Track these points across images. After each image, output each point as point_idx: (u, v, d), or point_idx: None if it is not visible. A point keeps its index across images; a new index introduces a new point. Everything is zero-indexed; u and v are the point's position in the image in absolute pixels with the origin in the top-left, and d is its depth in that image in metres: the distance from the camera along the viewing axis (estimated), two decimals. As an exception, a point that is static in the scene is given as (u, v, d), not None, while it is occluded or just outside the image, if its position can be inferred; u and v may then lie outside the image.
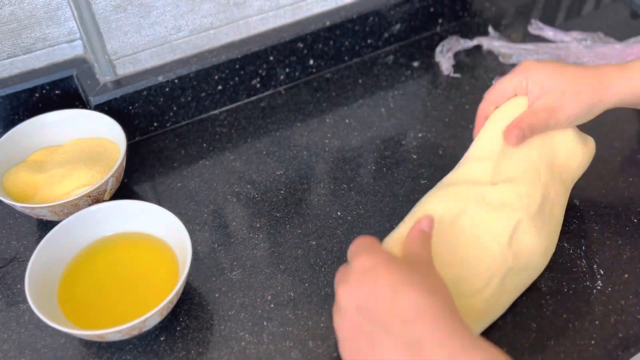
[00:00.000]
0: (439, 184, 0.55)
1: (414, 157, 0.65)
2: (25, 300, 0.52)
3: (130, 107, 0.65)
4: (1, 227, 0.59)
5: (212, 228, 0.58)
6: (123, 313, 0.48)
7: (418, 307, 0.37)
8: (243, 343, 0.49)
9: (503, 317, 0.50)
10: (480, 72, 0.76)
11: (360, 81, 0.75)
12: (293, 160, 0.65)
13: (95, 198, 0.55)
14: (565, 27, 0.80)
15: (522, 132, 0.52)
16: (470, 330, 0.38)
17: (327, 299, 0.52)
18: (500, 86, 0.55)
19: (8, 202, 0.54)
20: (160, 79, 0.65)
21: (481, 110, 0.57)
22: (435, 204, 0.52)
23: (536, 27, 0.81)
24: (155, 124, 0.68)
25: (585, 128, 0.67)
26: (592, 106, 0.53)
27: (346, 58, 0.77)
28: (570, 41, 0.77)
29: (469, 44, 0.79)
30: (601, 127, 0.67)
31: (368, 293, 0.39)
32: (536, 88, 0.53)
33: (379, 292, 0.38)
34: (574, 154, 0.55)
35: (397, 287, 0.38)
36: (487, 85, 0.74)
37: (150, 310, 0.45)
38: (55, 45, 0.63)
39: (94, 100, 0.63)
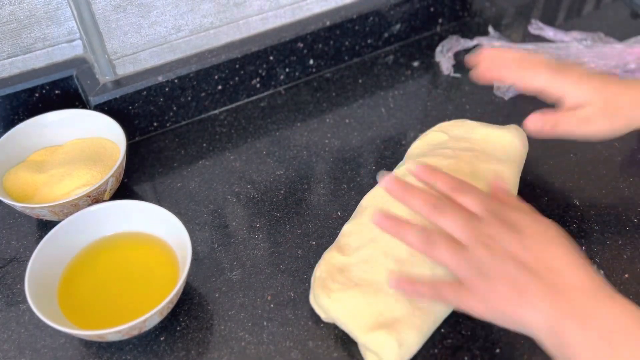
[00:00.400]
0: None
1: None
2: (25, 300, 0.52)
3: (130, 107, 0.65)
4: (1, 227, 0.59)
5: (212, 228, 0.58)
6: (123, 313, 0.48)
7: (568, 259, 0.41)
8: (243, 343, 0.49)
9: (503, 317, 0.50)
10: (480, 72, 0.76)
11: (360, 81, 0.75)
12: (293, 160, 0.65)
13: (95, 198, 0.55)
14: (565, 27, 0.80)
15: (541, 125, 0.51)
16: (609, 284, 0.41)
17: (327, 299, 0.52)
18: (533, 73, 0.51)
19: (8, 202, 0.54)
20: (160, 78, 0.65)
21: (487, 71, 0.53)
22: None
23: (536, 27, 0.81)
24: (155, 124, 0.68)
25: (585, 128, 0.67)
26: (628, 125, 0.51)
27: (346, 58, 0.77)
28: (570, 41, 0.77)
29: (469, 43, 0.78)
30: (601, 127, 0.67)
31: (517, 242, 0.42)
32: (574, 101, 0.50)
33: (528, 243, 0.42)
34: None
35: (545, 242, 0.42)
36: (486, 85, 0.74)
37: (150, 310, 0.45)
38: (55, 45, 0.63)
39: (93, 100, 0.63)
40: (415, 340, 0.46)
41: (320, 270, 0.50)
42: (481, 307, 0.42)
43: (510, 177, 0.57)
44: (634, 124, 0.50)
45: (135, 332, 0.47)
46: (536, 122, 0.51)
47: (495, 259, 0.41)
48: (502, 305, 0.41)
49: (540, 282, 0.40)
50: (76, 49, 0.65)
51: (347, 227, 0.54)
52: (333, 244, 0.53)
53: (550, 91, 0.51)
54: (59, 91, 0.64)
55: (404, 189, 0.46)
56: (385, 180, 0.46)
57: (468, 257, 0.42)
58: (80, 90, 0.65)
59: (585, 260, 0.42)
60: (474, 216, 0.44)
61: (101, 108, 0.63)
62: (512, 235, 0.42)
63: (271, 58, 0.70)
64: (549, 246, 0.42)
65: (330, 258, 0.51)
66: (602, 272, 0.53)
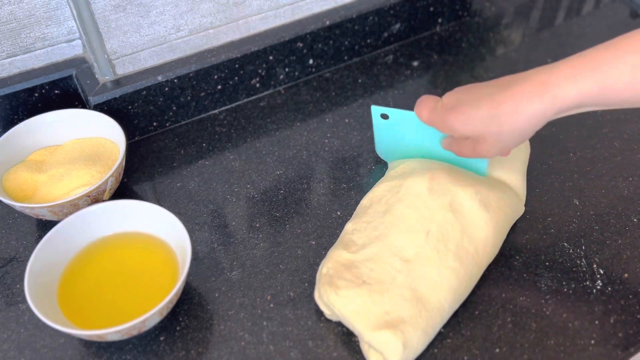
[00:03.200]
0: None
1: (414, 156, 0.65)
2: (24, 300, 0.52)
3: (130, 107, 0.65)
4: (1, 226, 0.59)
5: (211, 228, 0.58)
6: (123, 313, 0.48)
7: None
8: (243, 343, 0.49)
9: (503, 317, 0.50)
10: (480, 71, 0.76)
11: (360, 81, 0.75)
12: (293, 160, 0.65)
13: (95, 198, 0.55)
14: (565, 27, 0.80)
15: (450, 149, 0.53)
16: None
17: (327, 298, 0.52)
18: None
19: (7, 202, 0.54)
20: (160, 78, 0.65)
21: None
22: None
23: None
24: (154, 124, 0.68)
25: (586, 128, 0.67)
26: (524, 132, 0.47)
27: (346, 58, 0.77)
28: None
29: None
30: (601, 127, 0.67)
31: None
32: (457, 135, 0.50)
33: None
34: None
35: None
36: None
37: (150, 310, 0.45)
38: (55, 44, 0.63)
39: (93, 100, 0.62)
40: (419, 342, 0.46)
41: (327, 267, 0.50)
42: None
43: (517, 183, 0.58)
44: (525, 131, 0.47)
45: (135, 332, 0.47)
46: (445, 144, 0.54)
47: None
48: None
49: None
50: (76, 49, 0.65)
51: (350, 225, 0.54)
52: (337, 242, 0.53)
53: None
54: (58, 91, 0.64)
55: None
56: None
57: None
58: (79, 90, 0.65)
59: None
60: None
61: (101, 108, 0.63)
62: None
63: (271, 58, 0.70)
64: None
65: (336, 256, 0.51)
66: (601, 271, 0.53)
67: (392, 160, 0.62)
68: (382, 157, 0.64)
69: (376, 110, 0.57)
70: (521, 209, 0.57)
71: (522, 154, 0.60)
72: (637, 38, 0.43)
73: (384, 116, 0.57)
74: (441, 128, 0.50)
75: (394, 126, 0.58)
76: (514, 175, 0.58)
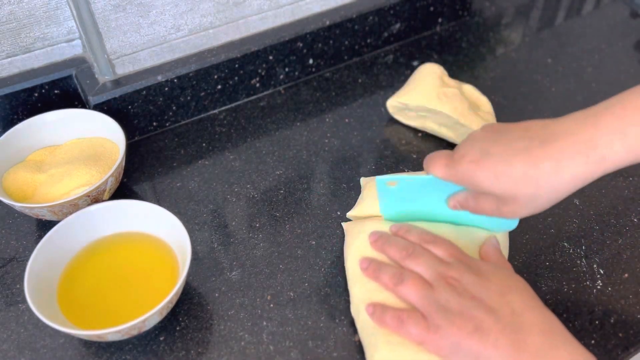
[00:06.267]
0: None
1: (414, 157, 0.65)
2: (24, 300, 0.52)
3: (130, 107, 0.65)
4: (0, 226, 0.59)
5: (211, 228, 0.58)
6: (122, 313, 0.48)
7: (528, 303, 0.43)
8: (243, 343, 0.49)
9: (503, 317, 0.50)
10: (480, 71, 0.76)
11: (360, 81, 0.75)
12: (293, 160, 0.65)
13: (95, 198, 0.55)
14: (565, 27, 0.80)
15: (456, 205, 0.49)
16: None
17: (327, 298, 0.52)
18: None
19: (7, 202, 0.53)
20: (160, 78, 0.65)
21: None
22: None
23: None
24: (154, 124, 0.68)
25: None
26: (556, 197, 0.42)
27: (346, 57, 0.77)
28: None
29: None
30: (601, 126, 0.67)
31: (480, 285, 0.44)
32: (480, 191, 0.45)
33: (490, 286, 0.44)
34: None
35: (506, 287, 0.44)
36: (486, 85, 0.74)
37: (149, 310, 0.45)
38: (55, 44, 0.63)
39: (93, 99, 0.62)
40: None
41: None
42: (443, 343, 0.43)
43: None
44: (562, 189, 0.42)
45: (135, 332, 0.47)
46: (454, 203, 0.49)
47: (457, 296, 0.44)
48: (461, 340, 0.42)
49: (500, 321, 0.42)
50: (75, 49, 0.65)
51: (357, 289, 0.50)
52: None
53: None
54: (58, 91, 0.64)
55: (383, 240, 0.50)
56: (370, 236, 0.52)
57: (432, 293, 0.44)
58: (79, 90, 0.65)
59: (544, 306, 0.44)
60: (443, 261, 0.47)
61: (100, 108, 0.63)
62: (476, 278, 0.45)
63: (271, 58, 0.70)
64: (510, 290, 0.44)
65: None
66: (601, 271, 0.53)
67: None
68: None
69: (382, 181, 0.51)
70: (512, 226, 0.53)
71: None
72: None
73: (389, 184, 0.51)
74: (462, 182, 0.45)
75: (400, 192, 0.51)
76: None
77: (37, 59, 0.63)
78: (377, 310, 0.46)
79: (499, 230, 0.53)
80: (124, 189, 0.62)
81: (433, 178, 0.47)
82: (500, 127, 0.45)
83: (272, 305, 0.52)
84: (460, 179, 0.45)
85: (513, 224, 0.51)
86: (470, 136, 0.46)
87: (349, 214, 0.58)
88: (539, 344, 0.40)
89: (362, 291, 0.49)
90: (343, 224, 0.57)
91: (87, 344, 0.50)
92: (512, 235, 0.56)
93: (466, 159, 0.44)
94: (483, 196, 0.45)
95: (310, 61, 0.74)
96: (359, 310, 0.48)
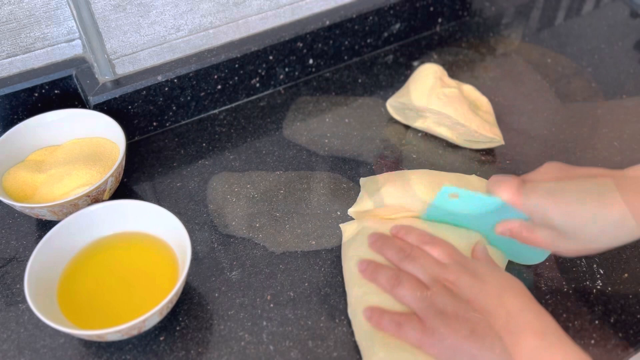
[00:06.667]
0: None
1: (414, 156, 0.65)
2: (24, 300, 0.52)
3: (130, 107, 0.65)
4: (0, 226, 0.59)
5: (211, 228, 0.58)
6: (122, 313, 0.48)
7: (524, 305, 0.43)
8: (243, 343, 0.49)
9: (503, 317, 0.50)
10: (480, 71, 0.76)
11: (359, 81, 0.75)
12: (293, 160, 0.65)
13: (95, 198, 0.55)
14: (565, 27, 0.80)
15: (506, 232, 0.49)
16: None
17: (327, 298, 0.52)
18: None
19: (7, 201, 0.53)
20: (160, 78, 0.65)
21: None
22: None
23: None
24: (154, 124, 0.68)
25: (586, 128, 0.67)
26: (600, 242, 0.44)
27: (346, 57, 0.77)
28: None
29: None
30: (601, 127, 0.67)
31: (477, 287, 0.45)
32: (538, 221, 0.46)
33: (487, 288, 0.45)
34: None
35: (502, 288, 0.45)
36: (486, 85, 0.74)
37: (149, 310, 0.45)
38: (55, 44, 0.63)
39: (93, 99, 0.62)
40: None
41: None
42: (440, 346, 0.43)
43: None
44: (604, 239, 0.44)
45: (135, 332, 0.47)
46: (504, 230, 0.49)
47: (453, 299, 0.44)
48: (457, 343, 0.42)
49: (496, 324, 0.42)
50: (75, 49, 0.65)
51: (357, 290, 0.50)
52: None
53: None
54: (58, 91, 0.64)
55: (382, 241, 0.51)
56: (369, 237, 0.52)
57: (429, 296, 0.45)
58: (79, 90, 0.65)
59: (540, 307, 0.44)
60: (441, 263, 0.47)
61: (100, 108, 0.63)
62: (473, 280, 0.45)
63: (271, 58, 0.70)
64: (506, 292, 0.44)
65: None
66: (601, 271, 0.53)
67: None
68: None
69: (444, 192, 0.50)
70: (542, 258, 0.54)
71: None
72: None
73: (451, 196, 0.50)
74: (529, 211, 0.45)
75: (454, 204, 0.51)
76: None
77: (37, 59, 0.63)
78: (375, 314, 0.47)
79: (529, 262, 0.54)
80: (124, 189, 0.62)
81: (493, 199, 0.47)
82: (566, 167, 0.47)
83: (272, 305, 0.52)
84: (529, 208, 0.45)
85: (543, 256, 0.52)
86: (540, 168, 0.48)
87: (350, 211, 0.58)
88: (534, 346, 0.41)
89: (359, 293, 0.49)
90: (341, 225, 0.57)
91: (87, 344, 0.50)
92: (512, 235, 0.56)
93: (540, 190, 0.44)
94: (540, 229, 0.46)
95: (310, 61, 0.74)
96: (356, 312, 0.48)
